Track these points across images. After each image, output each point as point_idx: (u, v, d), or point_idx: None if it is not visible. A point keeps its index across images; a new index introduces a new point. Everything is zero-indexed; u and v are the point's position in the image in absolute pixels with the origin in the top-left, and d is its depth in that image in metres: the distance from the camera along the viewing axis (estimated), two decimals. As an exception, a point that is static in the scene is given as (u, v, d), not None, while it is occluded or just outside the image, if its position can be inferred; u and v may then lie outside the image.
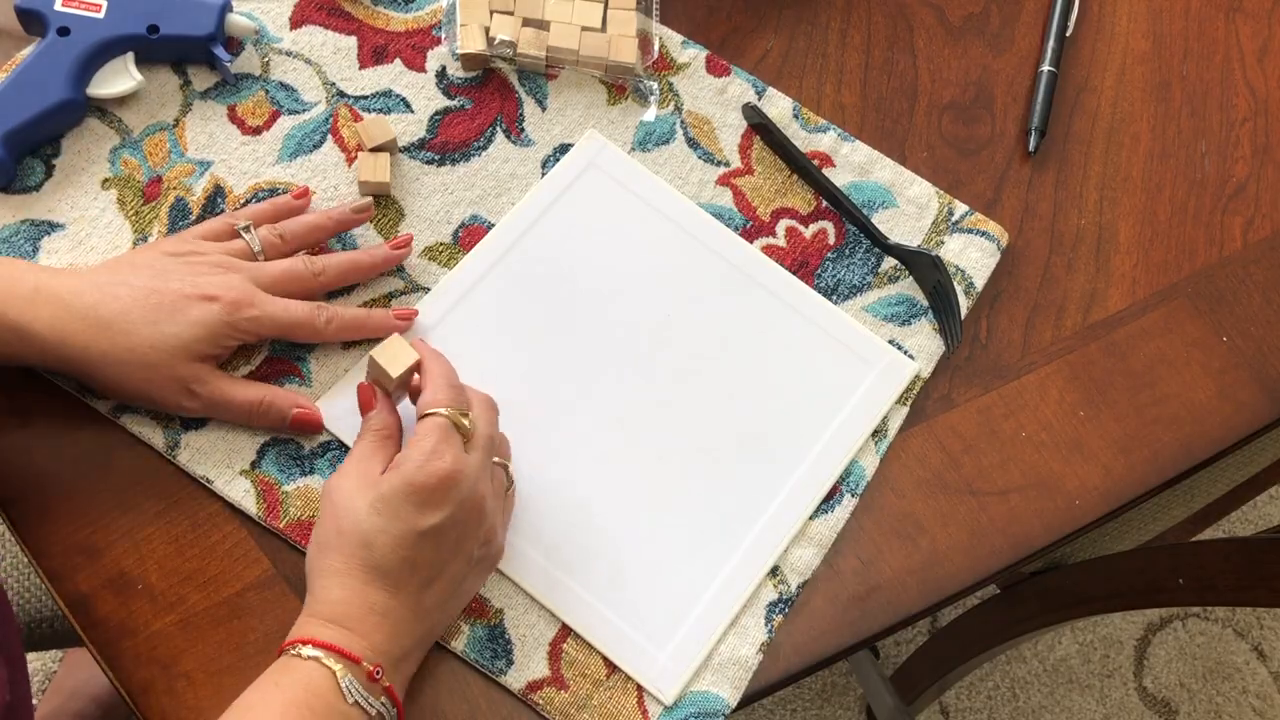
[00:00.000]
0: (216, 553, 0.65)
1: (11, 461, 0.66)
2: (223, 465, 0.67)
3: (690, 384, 0.72)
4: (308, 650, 0.56)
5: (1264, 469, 1.01)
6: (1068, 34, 0.85)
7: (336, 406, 0.68)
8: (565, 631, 0.66)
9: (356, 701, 0.56)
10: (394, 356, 0.64)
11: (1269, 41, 0.87)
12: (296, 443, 0.68)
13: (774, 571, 0.68)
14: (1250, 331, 0.78)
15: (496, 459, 0.64)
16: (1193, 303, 0.79)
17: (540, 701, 0.64)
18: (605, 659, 0.66)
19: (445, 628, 0.64)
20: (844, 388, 0.73)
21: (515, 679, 0.65)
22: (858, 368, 0.74)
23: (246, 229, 0.69)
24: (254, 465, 0.67)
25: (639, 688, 0.65)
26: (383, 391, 0.65)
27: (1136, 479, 0.73)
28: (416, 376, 0.65)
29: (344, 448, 0.68)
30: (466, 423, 0.62)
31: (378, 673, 0.57)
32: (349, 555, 0.58)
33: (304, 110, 0.76)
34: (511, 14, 0.78)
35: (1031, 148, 0.81)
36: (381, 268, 0.71)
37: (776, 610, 0.68)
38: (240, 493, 0.66)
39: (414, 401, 0.65)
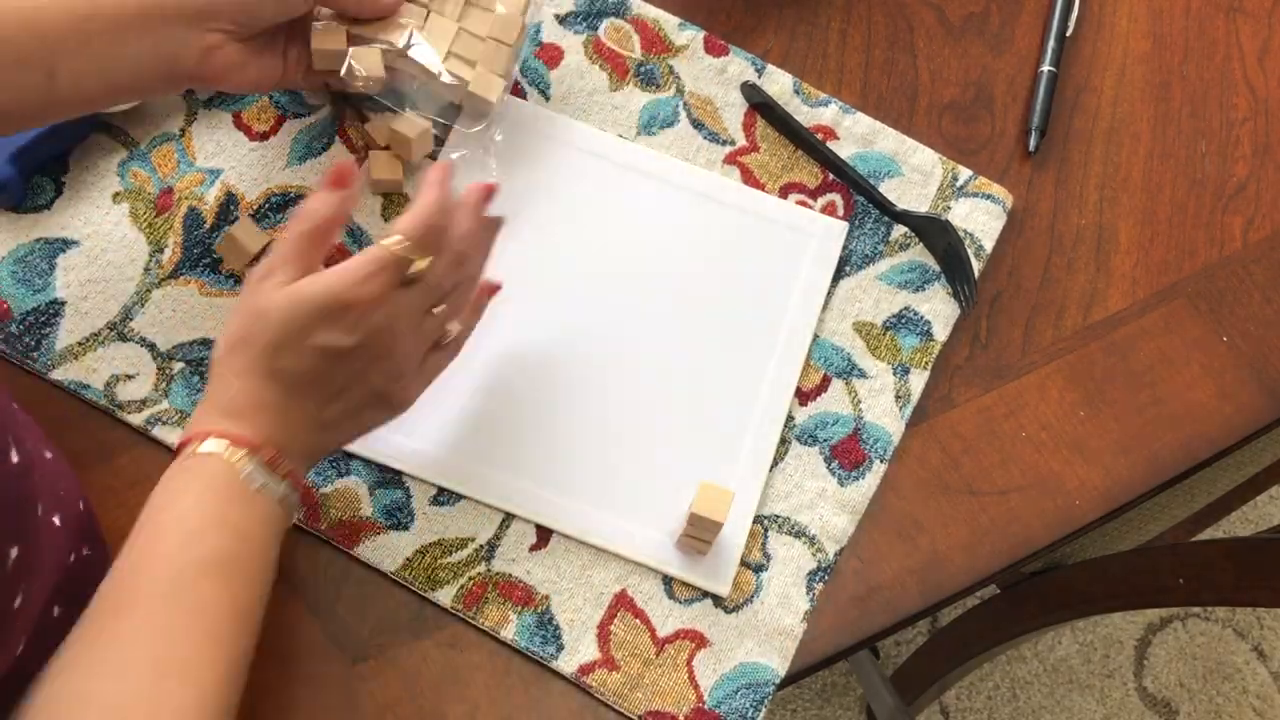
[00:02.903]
0: (218, 552, 0.65)
1: (13, 461, 0.66)
2: None
3: (652, 301, 0.74)
4: (207, 445, 0.57)
5: (1264, 469, 1.01)
6: (1068, 34, 0.85)
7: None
8: (612, 613, 0.67)
9: (261, 486, 0.57)
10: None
11: (1269, 41, 0.87)
12: None
13: (811, 540, 0.69)
14: (1250, 331, 0.78)
15: (438, 309, 0.63)
16: (1193, 303, 0.79)
17: (594, 684, 0.65)
18: (653, 635, 0.66)
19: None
20: (790, 259, 0.75)
21: (567, 663, 0.65)
22: (796, 238, 0.76)
23: None
24: None
25: (689, 662, 0.66)
26: (338, 185, 0.60)
27: (1136, 479, 0.74)
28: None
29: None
30: (415, 265, 0.60)
31: (278, 458, 0.58)
32: (254, 357, 0.58)
33: (309, 113, 0.76)
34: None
35: (1031, 147, 0.81)
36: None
37: (817, 579, 0.68)
38: None
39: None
